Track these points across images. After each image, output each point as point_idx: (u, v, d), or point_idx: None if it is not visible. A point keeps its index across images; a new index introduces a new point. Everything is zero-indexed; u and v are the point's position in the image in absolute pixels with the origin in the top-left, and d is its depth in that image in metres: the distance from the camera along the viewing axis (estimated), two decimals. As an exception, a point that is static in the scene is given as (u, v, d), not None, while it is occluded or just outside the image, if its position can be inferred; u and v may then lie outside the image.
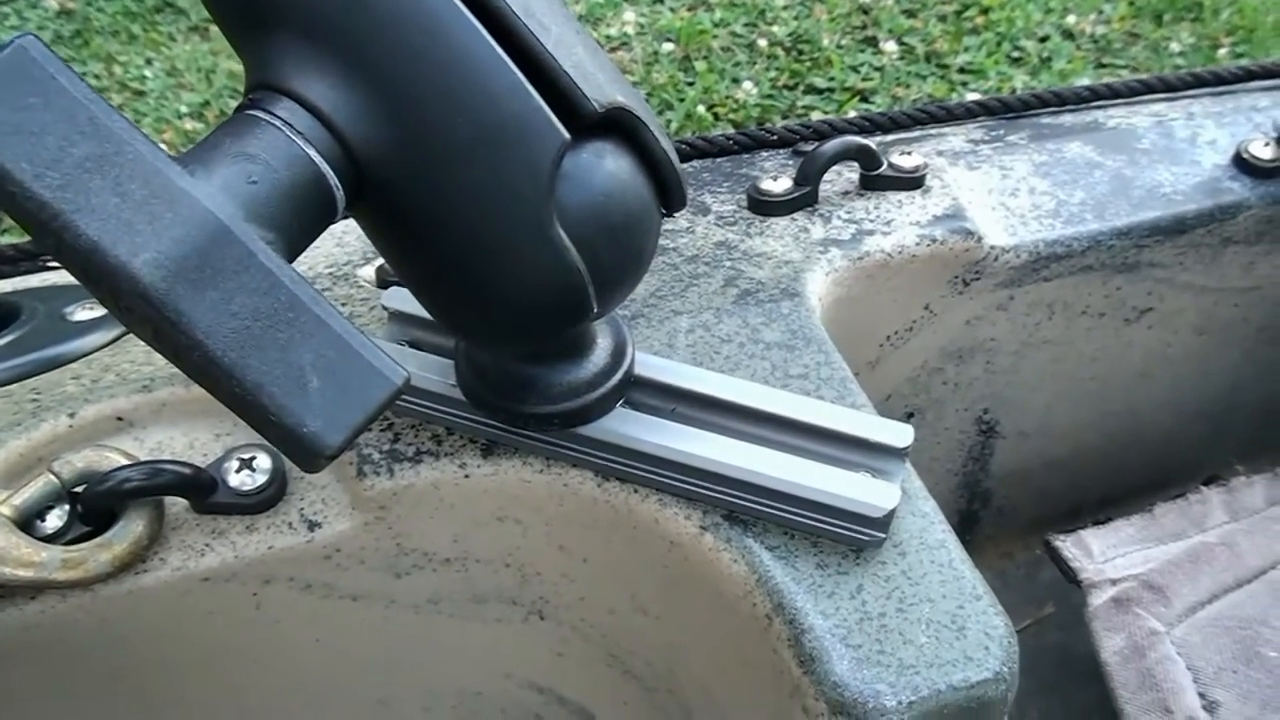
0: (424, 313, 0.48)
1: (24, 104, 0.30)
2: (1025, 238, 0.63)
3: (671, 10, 2.32)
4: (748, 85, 2.10)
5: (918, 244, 0.60)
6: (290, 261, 0.33)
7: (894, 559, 0.44)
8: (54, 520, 0.45)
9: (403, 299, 0.50)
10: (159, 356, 0.48)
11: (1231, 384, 0.79)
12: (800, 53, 2.22)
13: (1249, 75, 0.81)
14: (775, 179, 0.62)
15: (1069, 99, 0.78)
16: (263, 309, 0.32)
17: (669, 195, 0.40)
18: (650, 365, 0.47)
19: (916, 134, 0.73)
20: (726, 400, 0.46)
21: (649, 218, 0.40)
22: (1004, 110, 0.77)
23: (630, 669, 0.56)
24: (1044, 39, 2.28)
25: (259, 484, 0.47)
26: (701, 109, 2.05)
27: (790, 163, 0.69)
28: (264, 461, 0.47)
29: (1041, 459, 0.78)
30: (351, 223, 0.64)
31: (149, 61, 2.21)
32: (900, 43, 2.25)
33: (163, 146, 0.32)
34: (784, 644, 0.42)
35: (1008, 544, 0.84)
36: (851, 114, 0.75)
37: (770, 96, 2.11)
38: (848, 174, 0.65)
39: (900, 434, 0.45)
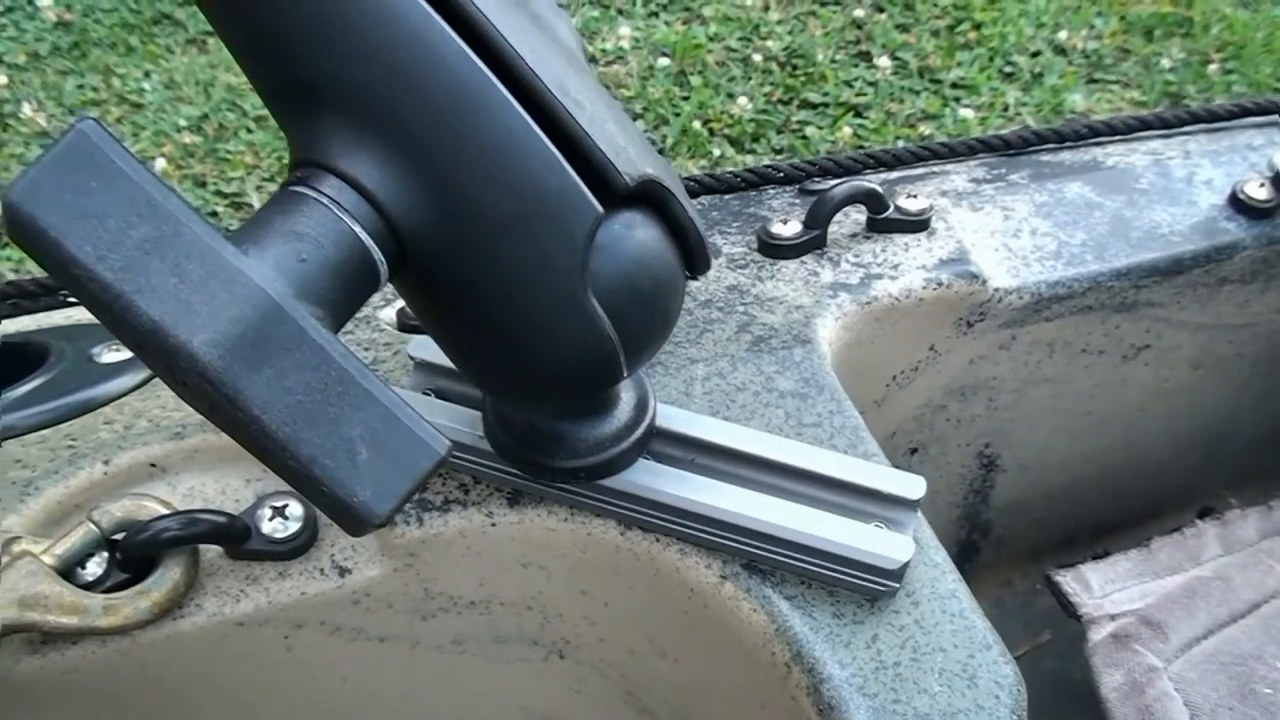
0: (449, 362, 0.49)
1: (86, 188, 0.32)
2: (1028, 279, 0.65)
3: (666, 24, 2.34)
4: (743, 100, 2.12)
5: (924, 287, 0.62)
6: (336, 333, 0.35)
7: (907, 608, 0.46)
8: (94, 568, 0.46)
9: (428, 348, 0.51)
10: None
11: (1225, 416, 0.81)
12: (795, 67, 2.24)
13: (1244, 112, 0.83)
14: (785, 222, 0.64)
15: (1068, 136, 0.80)
16: (314, 384, 0.33)
17: (694, 260, 0.42)
18: (670, 416, 0.48)
19: (920, 171, 0.75)
20: (744, 451, 0.48)
21: (676, 283, 0.41)
22: (1005, 148, 0.78)
23: (647, 706, 0.57)
24: (1036, 54, 2.31)
25: (291, 531, 0.48)
26: (697, 124, 2.07)
27: (798, 202, 0.71)
28: (296, 509, 0.49)
29: (1040, 490, 0.80)
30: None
31: (147, 74, 2.21)
32: (894, 57, 2.27)
33: (213, 223, 0.33)
34: (803, 692, 0.44)
35: (1006, 572, 0.86)
36: (856, 151, 0.77)
37: (765, 111, 2.13)
38: (855, 215, 0.67)
39: (912, 486, 0.47)
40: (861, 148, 2.10)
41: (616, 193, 0.38)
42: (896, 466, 0.55)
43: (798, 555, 0.46)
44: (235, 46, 0.37)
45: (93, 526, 0.47)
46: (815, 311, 0.59)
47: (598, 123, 0.38)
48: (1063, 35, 2.34)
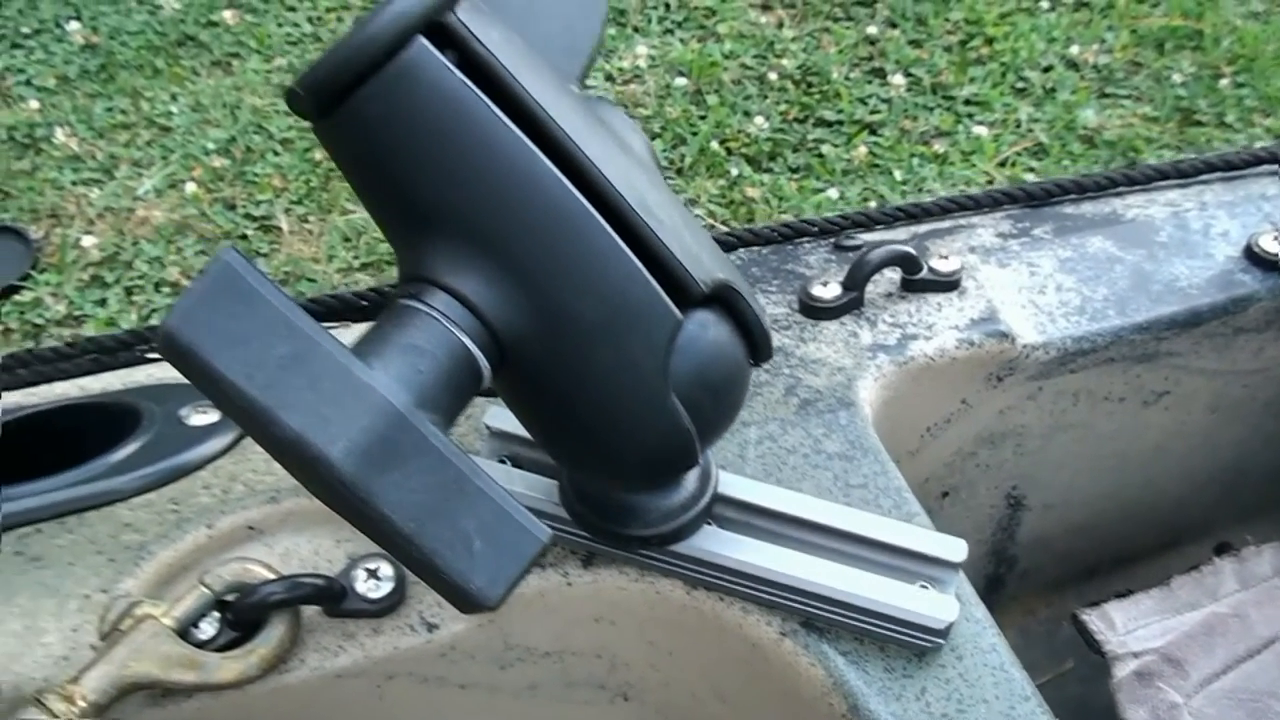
0: (523, 431, 0.53)
1: (232, 313, 0.36)
2: (1054, 335, 0.69)
3: (682, 42, 2.37)
4: (759, 120, 2.15)
5: (957, 347, 0.66)
6: (448, 433, 0.39)
7: (952, 662, 0.50)
8: (207, 628, 0.51)
9: (504, 418, 0.56)
10: (279, 467, 0.54)
11: (1240, 454, 0.85)
12: (810, 85, 2.28)
13: (1257, 160, 0.87)
14: (825, 284, 0.68)
15: (1089, 187, 0.84)
16: (434, 484, 0.37)
17: (758, 350, 0.46)
18: (730, 483, 0.53)
19: (948, 224, 0.79)
20: (800, 517, 0.52)
21: (744, 373, 0.45)
22: (1028, 199, 0.82)
23: (705, 745, 0.61)
24: (1048, 69, 2.34)
25: (384, 592, 0.53)
26: (715, 144, 2.11)
27: (833, 258, 0.75)
28: (387, 570, 0.53)
29: (1063, 526, 0.84)
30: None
31: (174, 97, 2.26)
32: (907, 74, 2.30)
33: (338, 338, 0.37)
34: None
35: (1030, 603, 0.90)
36: (886, 206, 0.81)
37: (781, 130, 2.16)
38: (889, 274, 0.71)
39: (955, 549, 0.51)
40: (877, 165, 2.14)
41: (693, 297, 0.42)
42: (929, 510, 0.59)
43: (851, 614, 0.50)
44: (355, 180, 0.41)
45: (205, 590, 0.51)
46: (856, 374, 0.63)
47: (675, 234, 0.42)
48: (1074, 50, 2.37)
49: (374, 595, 0.53)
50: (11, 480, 0.59)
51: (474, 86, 0.38)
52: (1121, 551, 0.90)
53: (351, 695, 0.53)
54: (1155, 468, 0.83)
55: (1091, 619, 0.71)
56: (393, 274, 1.88)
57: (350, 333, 0.70)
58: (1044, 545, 0.85)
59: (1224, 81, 2.29)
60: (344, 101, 0.38)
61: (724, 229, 0.76)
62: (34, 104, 2.27)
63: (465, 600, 0.38)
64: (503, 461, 0.55)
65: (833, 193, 2.00)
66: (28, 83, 2.36)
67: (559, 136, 0.40)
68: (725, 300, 0.44)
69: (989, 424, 0.73)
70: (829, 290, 0.68)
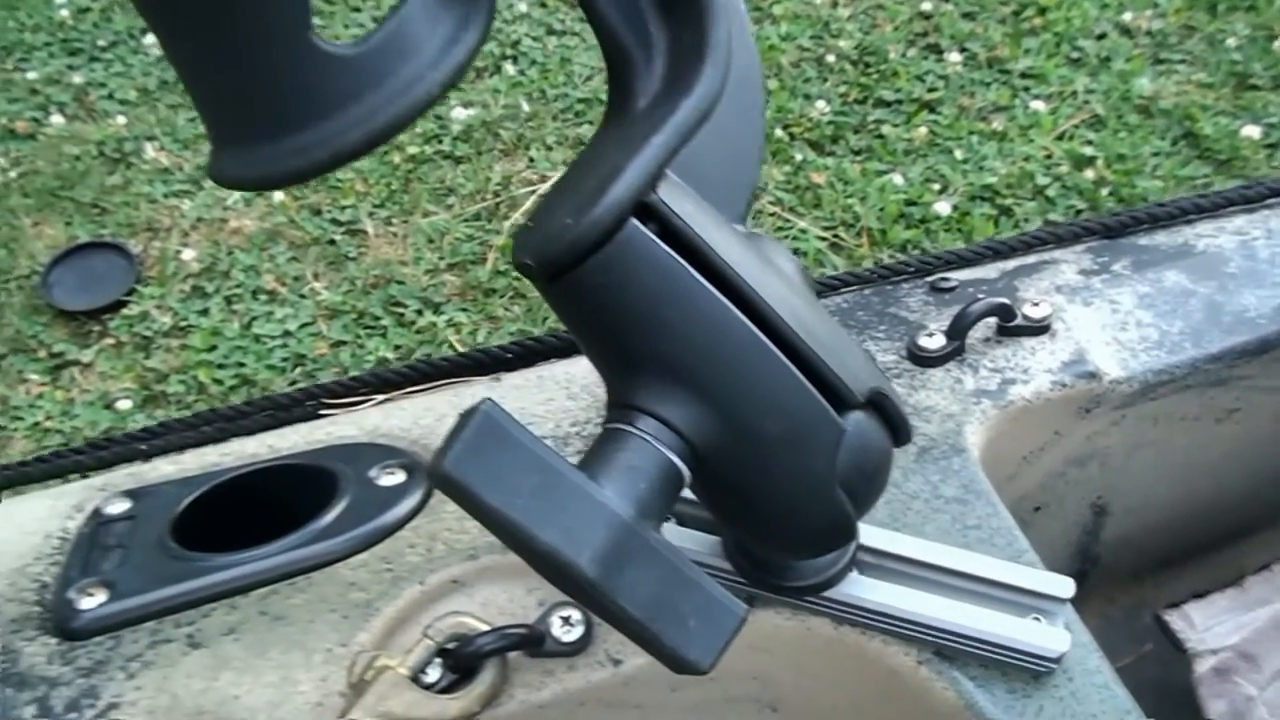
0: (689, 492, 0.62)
1: (493, 454, 0.45)
2: (1136, 370, 0.77)
3: (740, 26, 2.42)
4: (820, 104, 2.21)
5: (1051, 389, 0.74)
6: (660, 531, 0.48)
7: (1063, 683, 0.59)
8: (432, 673, 0.61)
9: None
10: (472, 523, 0.63)
11: None
12: (867, 65, 2.33)
13: (1319, 182, 0.94)
14: (930, 335, 0.76)
15: (1161, 217, 0.91)
16: (657, 578, 0.46)
17: (900, 436, 0.55)
18: (869, 534, 0.62)
19: (1033, 260, 0.87)
20: (930, 562, 0.61)
21: (891, 456, 0.54)
22: (1105, 231, 0.90)
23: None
24: (1101, 37, 2.37)
25: (577, 635, 0.62)
26: (779, 130, 2.17)
27: (931, 300, 0.83)
28: (578, 615, 0.63)
29: (1142, 527, 0.92)
30: (581, 377, 0.79)
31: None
32: (962, 49, 2.35)
33: (572, 462, 0.46)
34: None
35: (1110, 592, 0.99)
36: (975, 244, 0.89)
37: (842, 112, 2.22)
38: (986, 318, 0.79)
39: (1063, 586, 0.60)
40: (937, 144, 2.19)
41: (852, 406, 0.51)
42: (1024, 523, 0.68)
43: (976, 644, 0.59)
44: (575, 328, 0.50)
45: (430, 641, 0.61)
46: (964, 419, 0.72)
47: (834, 352, 0.51)
48: (1127, 16, 2.40)
49: (568, 639, 0.62)
50: (222, 539, 0.69)
51: (676, 255, 0.47)
52: (1194, 543, 0.98)
53: (550, 722, 0.63)
54: (1225, 471, 0.91)
55: (1173, 619, 0.80)
56: (478, 277, 1.98)
57: (501, 386, 0.79)
58: (1124, 543, 0.93)
59: (1278, 44, 2.31)
60: (569, 272, 0.47)
61: (828, 271, 0.84)
62: (120, 119, 2.37)
63: (683, 667, 0.47)
64: (668, 519, 0.64)
65: (897, 178, 2.06)
66: (110, 96, 2.47)
67: (743, 287, 0.48)
68: (876, 403, 0.53)
69: (1077, 448, 0.81)
70: (934, 340, 0.76)
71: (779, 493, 0.51)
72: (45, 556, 0.70)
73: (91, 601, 0.65)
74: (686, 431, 0.49)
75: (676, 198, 0.48)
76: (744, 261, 0.49)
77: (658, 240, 0.47)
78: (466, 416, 0.45)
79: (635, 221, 0.46)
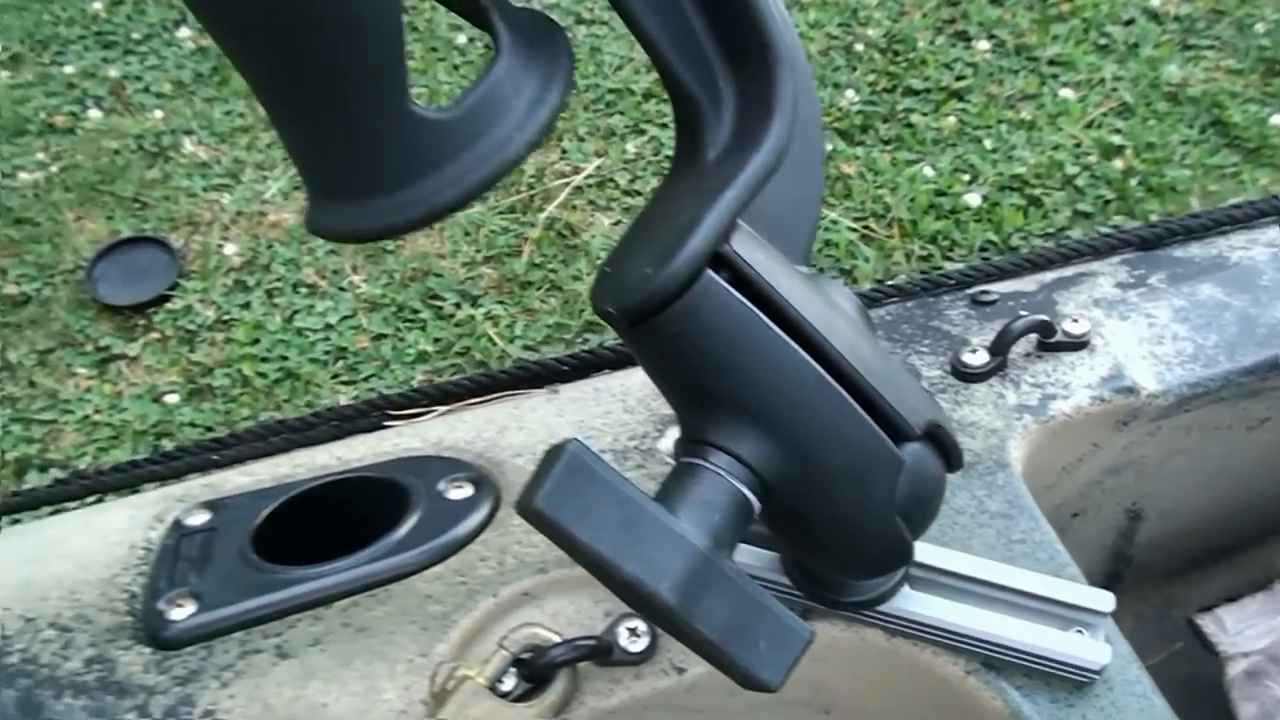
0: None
1: (582, 491, 0.49)
2: (1171, 383, 0.80)
3: (768, 15, 2.43)
4: (849, 93, 2.23)
5: (1090, 404, 0.77)
6: (733, 559, 0.52)
7: (1104, 692, 0.63)
8: (508, 681, 0.65)
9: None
10: (539, 538, 0.66)
11: None
12: (896, 53, 2.34)
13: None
14: (974, 351, 0.79)
15: (1195, 229, 0.93)
16: (731, 604, 0.50)
17: (952, 463, 0.58)
18: (920, 550, 0.65)
19: (1070, 272, 0.90)
20: (977, 577, 0.64)
21: (945, 483, 0.57)
22: (1141, 244, 0.92)
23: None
24: (1129, 22, 2.38)
25: (643, 645, 0.66)
26: (808, 121, 2.19)
27: (973, 313, 0.86)
28: (643, 627, 0.67)
29: (1174, 529, 0.95)
30: (637, 390, 0.82)
31: (290, 98, 2.38)
32: (990, 36, 2.35)
33: (649, 497, 0.50)
34: None
35: (1143, 591, 1.02)
36: (1014, 255, 0.92)
37: (871, 101, 2.24)
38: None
39: (1104, 600, 0.63)
40: (966, 133, 2.21)
41: (909, 439, 0.54)
42: (1061, 529, 0.71)
43: (1022, 655, 0.63)
44: (651, 370, 0.53)
45: (505, 652, 0.65)
46: (1007, 435, 0.75)
47: (893, 387, 0.54)
48: (1155, 1, 2.40)
49: (634, 649, 0.66)
50: (298, 548, 0.73)
51: (748, 303, 0.50)
52: (1225, 545, 1.01)
53: (619, 726, 0.67)
54: (1256, 474, 0.94)
55: (1205, 623, 0.83)
56: (514, 269, 2.02)
57: (559, 399, 0.82)
58: (1157, 546, 0.96)
59: (1308, 28, 2.31)
60: (648, 320, 0.50)
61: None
62: (158, 113, 2.41)
63: (754, 686, 0.50)
64: (729, 537, 0.68)
65: (927, 169, 2.08)
66: (146, 89, 2.50)
67: (809, 332, 0.51)
68: (932, 434, 0.56)
69: (1114, 458, 0.84)
70: (978, 357, 0.79)
71: (842, 521, 0.54)
72: (132, 567, 0.74)
73: (181, 613, 0.69)
74: (757, 466, 0.52)
75: (748, 247, 0.51)
76: (809, 305, 0.52)
77: (731, 289, 0.50)
78: (554, 454, 0.48)
79: (711, 272, 0.50)
